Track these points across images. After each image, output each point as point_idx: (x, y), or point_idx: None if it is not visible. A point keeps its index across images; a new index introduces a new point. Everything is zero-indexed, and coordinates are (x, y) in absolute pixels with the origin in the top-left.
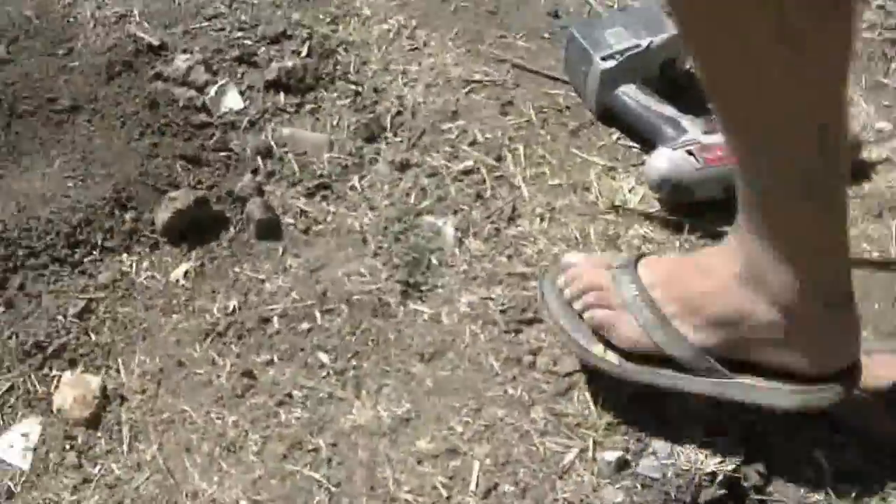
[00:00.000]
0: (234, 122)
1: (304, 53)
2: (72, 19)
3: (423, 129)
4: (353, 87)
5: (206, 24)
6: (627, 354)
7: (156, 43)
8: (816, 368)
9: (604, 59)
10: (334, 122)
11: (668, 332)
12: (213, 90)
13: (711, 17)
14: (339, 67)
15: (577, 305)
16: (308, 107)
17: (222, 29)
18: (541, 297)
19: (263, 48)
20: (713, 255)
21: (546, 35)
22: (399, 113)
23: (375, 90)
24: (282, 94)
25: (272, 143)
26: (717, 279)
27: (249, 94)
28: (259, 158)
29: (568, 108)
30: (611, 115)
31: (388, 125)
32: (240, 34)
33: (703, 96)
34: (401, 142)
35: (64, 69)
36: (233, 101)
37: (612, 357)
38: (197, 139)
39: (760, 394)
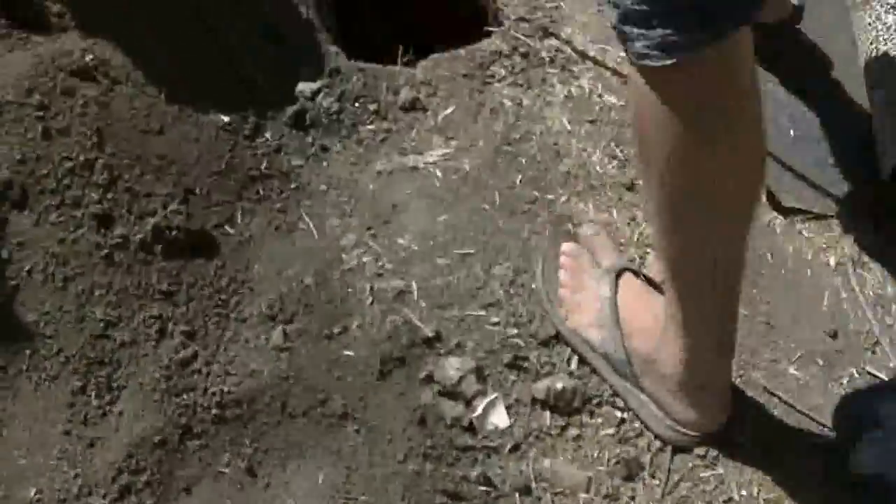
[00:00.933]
0: (497, 447)
1: (573, 366)
2: (350, 290)
3: (682, 475)
4: (619, 413)
5: (481, 312)
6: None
7: (430, 334)
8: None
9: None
10: (594, 454)
11: (613, 332)
12: (481, 406)
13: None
14: (607, 390)
15: (561, 276)
16: (572, 432)
17: (497, 323)
18: (541, 258)
19: (535, 353)
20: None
21: (820, 361)
22: (660, 450)
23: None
24: (548, 414)
25: (532, 477)
26: (655, 323)
27: (516, 409)
28: (517, 495)
29: (827, 459)
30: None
31: (648, 463)
32: (514, 332)
33: None
34: (658, 484)
35: (338, 362)
36: (499, 418)
37: (566, 321)
38: (459, 466)
39: (646, 412)
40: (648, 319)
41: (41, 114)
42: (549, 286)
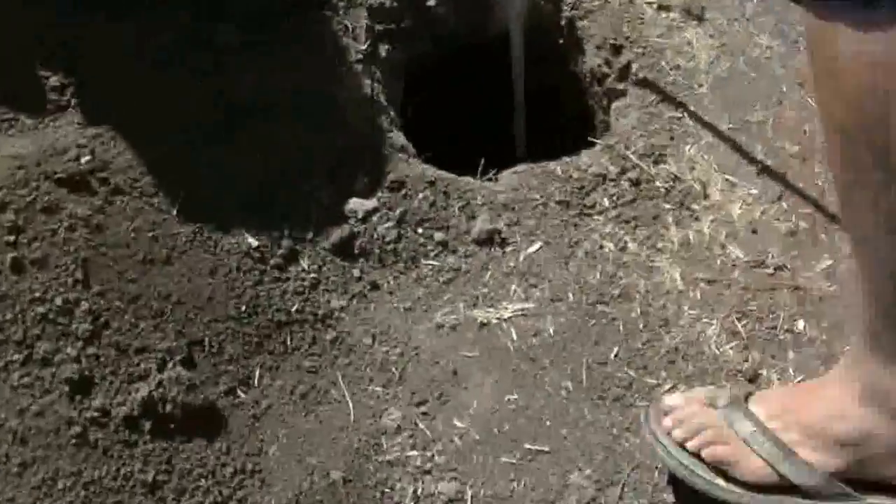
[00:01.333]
0: None
1: None
2: (387, 490)
3: None
4: None
5: None
6: (752, 485)
7: None
8: None
9: None
10: None
11: (793, 461)
12: None
13: None
14: None
15: (693, 444)
16: None
17: None
18: (653, 439)
19: None
20: (827, 382)
21: None
22: None
23: None
24: None
25: None
26: (836, 402)
27: None
28: None
29: None
30: None
31: None
32: None
33: None
34: None
35: None
36: None
37: (738, 488)
38: None
39: None
40: (819, 408)
41: (12, 238)
42: (685, 458)
